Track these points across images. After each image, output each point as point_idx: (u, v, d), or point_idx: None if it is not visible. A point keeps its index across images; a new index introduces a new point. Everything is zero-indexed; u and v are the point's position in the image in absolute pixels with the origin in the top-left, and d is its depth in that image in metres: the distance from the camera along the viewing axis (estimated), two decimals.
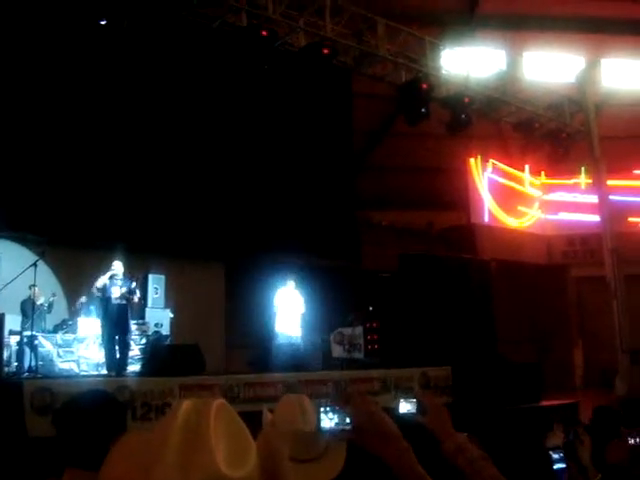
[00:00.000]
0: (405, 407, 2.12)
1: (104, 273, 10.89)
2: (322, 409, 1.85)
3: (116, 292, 10.82)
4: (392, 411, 2.01)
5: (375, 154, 20.29)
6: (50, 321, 11.71)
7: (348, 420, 1.80)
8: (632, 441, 3.92)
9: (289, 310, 12.53)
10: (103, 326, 10.92)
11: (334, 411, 1.83)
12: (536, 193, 21.87)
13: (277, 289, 12.54)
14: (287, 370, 11.04)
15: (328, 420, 1.85)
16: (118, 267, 10.93)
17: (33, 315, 10.77)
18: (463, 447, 2.03)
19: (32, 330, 10.67)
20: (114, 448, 1.42)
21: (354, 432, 1.77)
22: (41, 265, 11.42)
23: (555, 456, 3.39)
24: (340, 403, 1.82)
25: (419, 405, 2.11)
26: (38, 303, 11.10)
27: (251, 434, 1.74)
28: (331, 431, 1.84)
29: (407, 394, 11.29)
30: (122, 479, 1.32)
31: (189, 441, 1.27)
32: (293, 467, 1.96)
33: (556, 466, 3.38)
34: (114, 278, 10.81)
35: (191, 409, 1.34)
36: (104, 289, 10.81)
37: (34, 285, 10.98)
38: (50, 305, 11.42)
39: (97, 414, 2.29)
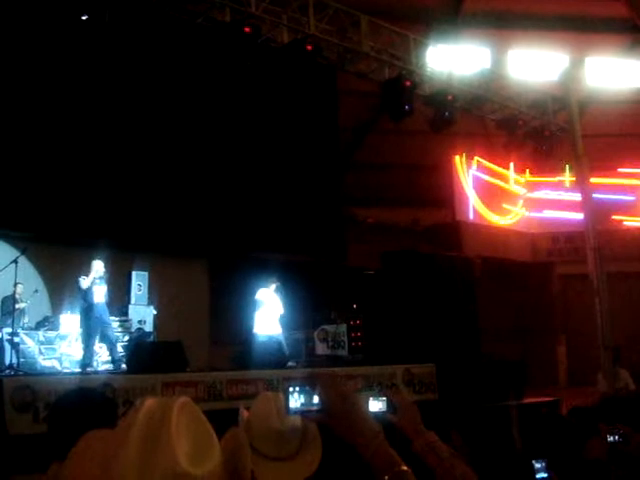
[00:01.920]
0: (375, 405, 2.11)
1: (86, 274, 10.89)
2: (290, 389, 1.83)
3: (98, 292, 10.84)
4: None
5: (360, 151, 20.30)
6: (32, 318, 11.65)
7: (315, 401, 1.78)
8: (611, 438, 3.92)
9: (271, 308, 12.60)
10: (85, 326, 10.93)
11: (302, 392, 1.81)
12: (521, 191, 21.96)
13: (259, 288, 12.59)
14: (269, 367, 11.02)
15: (294, 401, 1.83)
16: (99, 267, 10.94)
17: (14, 312, 10.73)
18: (433, 445, 2.03)
19: (13, 327, 10.63)
20: (77, 445, 1.41)
21: (324, 414, 1.75)
22: (23, 261, 11.35)
23: (537, 465, 3.37)
24: (309, 384, 1.80)
25: (389, 403, 2.10)
26: (17, 306, 11.02)
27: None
28: (299, 413, 1.83)
29: (388, 391, 11.36)
30: (83, 476, 1.31)
31: (150, 438, 1.26)
32: (267, 465, 1.95)
33: (539, 475, 3.36)
34: (95, 279, 10.83)
35: (154, 407, 1.33)
36: (87, 292, 10.83)
37: (19, 283, 10.94)
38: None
39: (89, 410, 2.29)
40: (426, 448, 2.01)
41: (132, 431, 1.28)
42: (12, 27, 12.39)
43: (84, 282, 10.88)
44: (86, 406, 2.36)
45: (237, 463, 1.43)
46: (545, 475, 3.27)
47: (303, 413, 1.82)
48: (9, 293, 11.07)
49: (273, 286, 12.72)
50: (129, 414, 1.34)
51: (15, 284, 10.93)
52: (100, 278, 10.98)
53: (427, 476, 1.96)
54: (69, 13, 10.95)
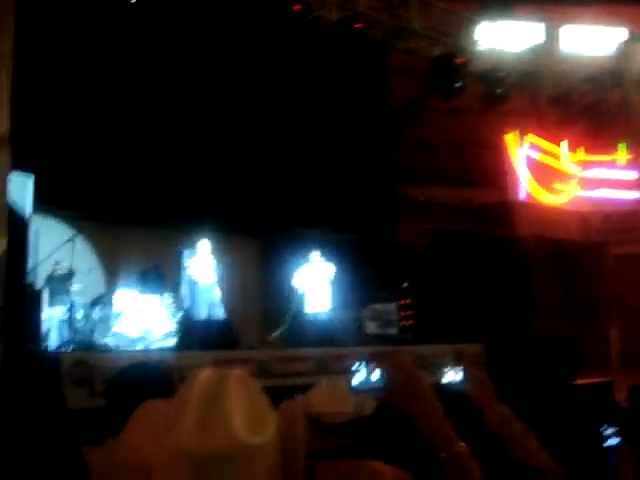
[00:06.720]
0: (451, 377, 2.14)
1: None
2: (355, 367, 1.85)
3: (206, 271, 11.63)
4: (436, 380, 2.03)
5: (411, 129, 20.13)
6: (87, 296, 11.85)
7: (376, 377, 1.79)
8: None
9: (316, 285, 12.62)
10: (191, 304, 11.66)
11: (366, 368, 1.82)
12: (574, 169, 21.56)
13: (300, 265, 12.65)
14: (319, 346, 11.08)
15: (358, 378, 1.84)
16: (205, 246, 11.67)
17: (70, 289, 10.97)
18: (507, 418, 2.04)
19: (70, 305, 10.86)
20: (135, 414, 1.44)
21: (388, 392, 1.76)
22: (79, 241, 11.56)
23: (608, 431, 3.32)
24: (374, 360, 1.81)
25: (465, 376, 2.12)
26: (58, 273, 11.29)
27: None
28: (362, 388, 1.84)
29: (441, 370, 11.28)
30: (141, 444, 1.34)
31: (208, 408, 1.29)
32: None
33: (609, 442, 3.30)
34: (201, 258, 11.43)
35: (211, 377, 1.36)
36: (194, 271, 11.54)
37: (60, 261, 11.18)
38: (70, 274, 11.43)
39: (148, 385, 2.33)
40: (499, 420, 2.02)
41: (189, 401, 1.30)
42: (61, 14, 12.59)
43: (191, 261, 11.56)
44: (145, 381, 2.39)
45: (292, 434, 1.45)
46: (616, 441, 3.21)
47: (366, 390, 1.83)
48: (66, 272, 11.29)
49: (317, 260, 12.78)
50: (186, 385, 1.36)
51: (57, 263, 11.19)
52: (208, 257, 11.63)
53: (498, 448, 1.97)
54: None
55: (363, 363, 1.83)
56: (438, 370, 2.13)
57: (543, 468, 1.87)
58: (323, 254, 12.86)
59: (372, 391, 1.83)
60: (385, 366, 1.77)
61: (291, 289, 12.76)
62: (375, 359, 1.81)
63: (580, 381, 13.09)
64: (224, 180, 14.34)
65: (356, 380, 1.83)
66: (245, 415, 1.32)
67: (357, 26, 12.73)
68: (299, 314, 12.51)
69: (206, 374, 1.37)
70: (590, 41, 16.77)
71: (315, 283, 12.63)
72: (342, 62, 15.51)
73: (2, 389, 7.72)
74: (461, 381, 2.13)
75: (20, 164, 9.05)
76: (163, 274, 12.24)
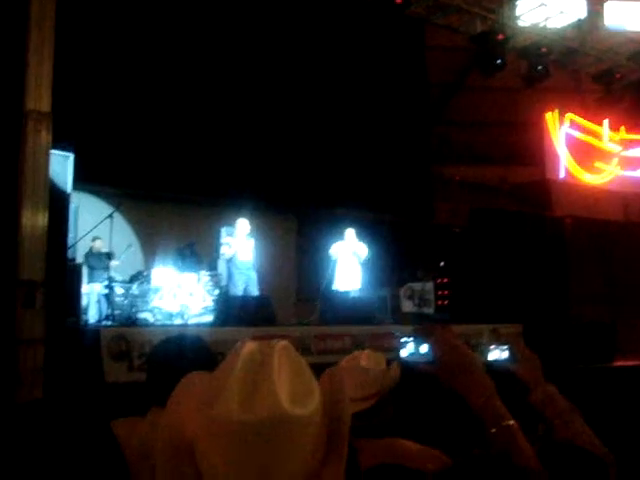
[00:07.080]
0: (497, 354, 2.10)
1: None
2: (403, 340, 1.83)
3: (244, 249, 11.68)
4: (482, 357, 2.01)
5: (449, 108, 19.96)
6: (126, 272, 12.02)
7: (423, 351, 1.77)
8: None
9: (348, 263, 12.58)
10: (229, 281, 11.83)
11: (415, 342, 1.80)
12: (615, 148, 21.20)
13: (336, 244, 12.61)
14: (355, 323, 11.07)
15: (406, 350, 1.82)
16: (244, 225, 11.72)
17: (109, 265, 11.13)
18: (553, 398, 2.00)
19: (109, 280, 11.02)
20: (177, 387, 1.44)
21: (435, 366, 1.75)
22: (118, 217, 11.69)
23: None
24: (423, 334, 1.79)
25: (511, 353, 2.09)
26: (101, 251, 11.45)
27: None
28: (411, 361, 1.82)
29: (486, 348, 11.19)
30: (185, 415, 1.34)
31: (252, 379, 1.28)
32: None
33: None
34: (240, 237, 11.62)
35: (255, 349, 1.35)
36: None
37: (97, 238, 11.33)
38: (109, 254, 11.57)
39: (188, 357, 2.36)
40: (545, 400, 1.99)
41: (233, 373, 1.29)
42: None
43: (229, 239, 11.74)
44: (186, 353, 2.41)
45: (336, 407, 1.44)
46: None
47: (413, 362, 1.82)
48: (105, 249, 11.47)
49: (351, 234, 12.72)
50: (230, 356, 1.36)
51: (94, 239, 11.37)
52: (247, 235, 11.78)
53: (541, 426, 1.95)
54: None
55: (411, 337, 1.81)
56: (484, 348, 2.09)
57: (590, 448, 1.84)
58: (359, 233, 12.85)
59: (422, 366, 1.81)
60: (434, 341, 1.75)
61: (327, 267, 12.76)
62: (423, 334, 1.79)
63: (618, 364, 12.96)
64: (262, 158, 14.35)
65: (404, 353, 1.81)
66: (290, 386, 1.30)
67: (397, 1, 12.57)
68: (335, 292, 12.53)
69: (250, 345, 1.36)
70: (634, 17, 16.38)
71: (351, 262, 12.61)
72: (379, 38, 15.37)
73: (45, 361, 7.87)
74: (507, 359, 2.10)
75: (61, 141, 9.14)
76: (198, 252, 12.34)
